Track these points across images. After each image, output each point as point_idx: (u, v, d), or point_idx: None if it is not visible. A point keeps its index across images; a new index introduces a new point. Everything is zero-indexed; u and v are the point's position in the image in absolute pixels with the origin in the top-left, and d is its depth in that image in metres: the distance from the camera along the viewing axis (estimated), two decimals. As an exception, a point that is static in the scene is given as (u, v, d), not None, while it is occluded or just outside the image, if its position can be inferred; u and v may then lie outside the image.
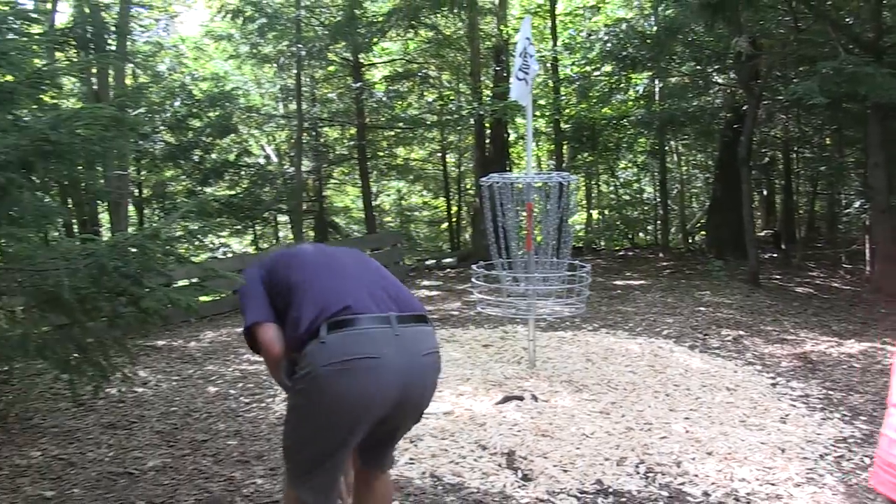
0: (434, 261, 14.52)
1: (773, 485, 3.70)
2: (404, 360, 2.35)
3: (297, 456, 2.48)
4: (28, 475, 4.00)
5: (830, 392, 5.41)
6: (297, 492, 2.47)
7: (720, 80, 13.44)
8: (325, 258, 2.65)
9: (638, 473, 3.83)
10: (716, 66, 12.77)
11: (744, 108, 11.50)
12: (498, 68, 14.55)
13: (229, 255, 14.83)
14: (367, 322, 2.36)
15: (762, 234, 15.88)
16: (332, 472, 2.47)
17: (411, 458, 4.03)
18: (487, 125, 14.57)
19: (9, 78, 3.15)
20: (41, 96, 3.33)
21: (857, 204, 14.07)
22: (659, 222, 16.96)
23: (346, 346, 2.31)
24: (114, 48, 7.98)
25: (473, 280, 6.19)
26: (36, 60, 3.22)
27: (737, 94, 12.74)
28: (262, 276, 2.64)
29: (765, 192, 18.11)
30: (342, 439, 2.38)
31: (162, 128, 12.46)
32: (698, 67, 12.78)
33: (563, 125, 15.35)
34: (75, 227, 10.48)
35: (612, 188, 19.57)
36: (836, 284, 11.15)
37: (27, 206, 3.17)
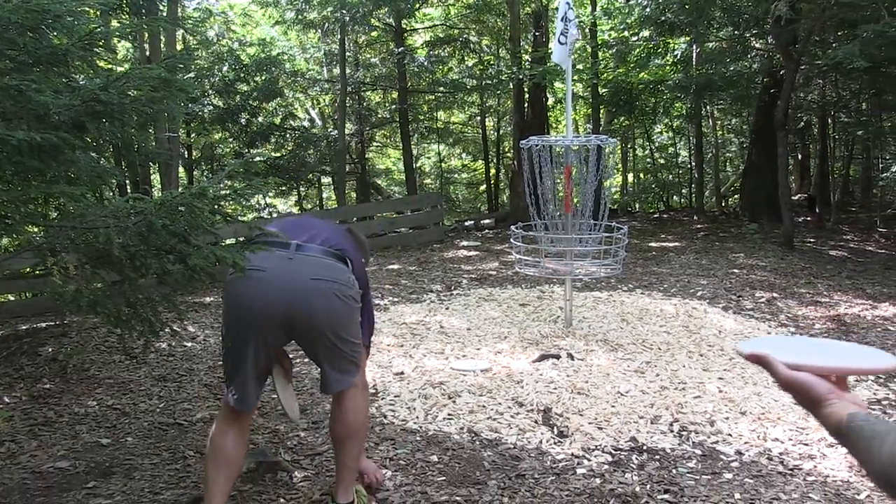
0: (472, 222, 14.57)
1: (806, 445, 3.68)
2: (288, 278, 2.65)
3: (223, 359, 2.84)
4: (85, 423, 4.17)
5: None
6: (225, 398, 2.80)
7: (758, 45, 13.20)
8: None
9: (672, 432, 3.85)
10: (754, 31, 12.54)
11: (781, 72, 11.29)
12: (537, 33, 14.40)
13: (274, 215, 15.07)
14: (270, 245, 2.72)
15: (797, 197, 15.65)
16: (244, 377, 2.75)
17: (449, 414, 4.10)
18: (526, 89, 14.48)
19: (63, 41, 3.19)
20: (95, 59, 3.37)
21: (893, 168, 13.87)
22: (693, 186, 16.86)
23: (246, 260, 2.65)
24: (165, 14, 8.12)
25: (512, 241, 6.23)
26: (92, 27, 3.27)
27: (774, 59, 12.50)
28: None
29: (800, 157, 17.85)
30: (240, 340, 2.71)
31: (210, 92, 12.65)
32: (736, 32, 12.54)
33: (600, 89, 15.23)
34: (128, 187, 10.72)
35: (647, 152, 19.45)
36: (870, 248, 11.01)
37: (82, 167, 3.25)
